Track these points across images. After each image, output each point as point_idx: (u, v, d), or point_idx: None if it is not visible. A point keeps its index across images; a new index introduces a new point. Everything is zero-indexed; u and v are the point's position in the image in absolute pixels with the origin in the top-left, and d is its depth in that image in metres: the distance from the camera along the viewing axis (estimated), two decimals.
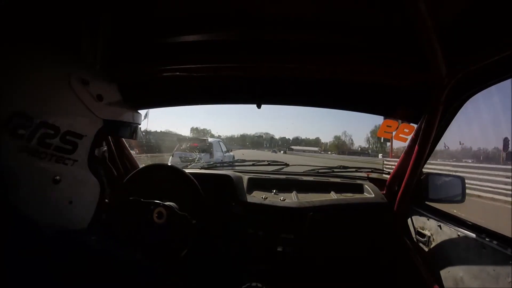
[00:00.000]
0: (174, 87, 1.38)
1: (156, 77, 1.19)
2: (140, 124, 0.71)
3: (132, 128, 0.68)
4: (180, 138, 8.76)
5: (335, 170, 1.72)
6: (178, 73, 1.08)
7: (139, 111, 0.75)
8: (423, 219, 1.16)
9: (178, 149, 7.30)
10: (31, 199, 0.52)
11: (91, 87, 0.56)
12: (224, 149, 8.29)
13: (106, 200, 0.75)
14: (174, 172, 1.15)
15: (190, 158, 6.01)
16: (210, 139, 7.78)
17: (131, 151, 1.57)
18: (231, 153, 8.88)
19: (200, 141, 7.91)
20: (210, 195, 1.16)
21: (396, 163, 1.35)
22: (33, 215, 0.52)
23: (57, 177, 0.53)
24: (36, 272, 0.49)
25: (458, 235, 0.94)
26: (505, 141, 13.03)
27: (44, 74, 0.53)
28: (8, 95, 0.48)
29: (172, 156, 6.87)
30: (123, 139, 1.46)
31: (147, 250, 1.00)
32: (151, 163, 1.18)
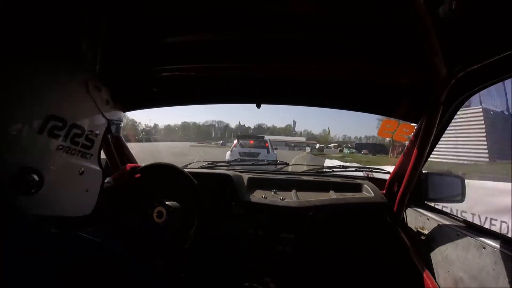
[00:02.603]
0: (174, 87, 1.38)
1: (155, 77, 1.19)
2: (122, 121, 0.81)
3: (119, 126, 0.79)
4: (238, 135, 9.35)
5: (335, 169, 1.73)
6: (177, 73, 1.07)
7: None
8: (423, 219, 1.16)
9: (236, 145, 7.64)
10: (63, 190, 0.59)
11: (102, 93, 0.66)
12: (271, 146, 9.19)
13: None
14: (174, 171, 1.14)
15: (249, 152, 6.80)
16: (265, 137, 8.79)
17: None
18: (276, 151, 9.63)
19: (257, 139, 8.57)
20: (210, 195, 1.16)
21: None
22: (62, 204, 0.60)
23: (82, 169, 0.62)
24: (36, 272, 0.50)
25: (458, 235, 0.94)
26: None
27: (69, 82, 0.60)
28: (41, 100, 0.54)
29: (231, 151, 7.14)
30: (121, 136, 1.52)
31: (147, 249, 1.00)
32: (152, 163, 1.18)
